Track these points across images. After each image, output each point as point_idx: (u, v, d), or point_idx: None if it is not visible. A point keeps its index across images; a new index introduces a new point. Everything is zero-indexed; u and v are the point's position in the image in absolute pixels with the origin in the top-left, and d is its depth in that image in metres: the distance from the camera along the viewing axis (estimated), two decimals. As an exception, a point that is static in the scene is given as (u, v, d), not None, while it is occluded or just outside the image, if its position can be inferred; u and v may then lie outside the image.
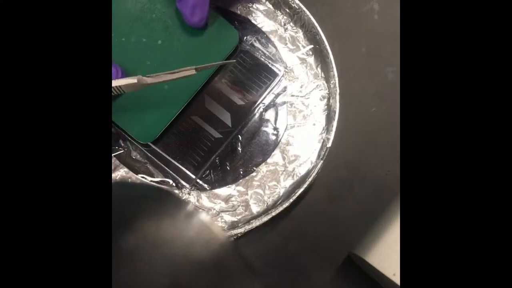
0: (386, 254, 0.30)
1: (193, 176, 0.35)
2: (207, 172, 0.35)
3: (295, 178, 0.36)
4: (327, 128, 0.36)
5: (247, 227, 0.33)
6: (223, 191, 0.35)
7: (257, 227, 0.34)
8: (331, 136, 0.35)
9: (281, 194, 0.35)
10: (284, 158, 0.36)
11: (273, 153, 0.36)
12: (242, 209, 0.35)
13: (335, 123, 0.35)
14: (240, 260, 0.17)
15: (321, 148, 0.36)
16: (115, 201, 0.16)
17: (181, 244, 0.16)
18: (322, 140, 0.36)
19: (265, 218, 0.33)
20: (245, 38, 0.38)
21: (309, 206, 0.37)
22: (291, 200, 0.33)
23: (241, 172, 0.36)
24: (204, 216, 0.17)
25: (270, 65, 0.37)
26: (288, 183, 0.36)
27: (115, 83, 0.31)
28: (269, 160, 0.36)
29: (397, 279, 0.29)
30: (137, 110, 0.35)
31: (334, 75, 0.36)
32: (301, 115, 0.37)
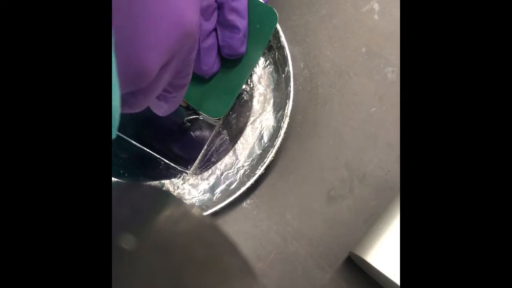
0: (386, 254, 0.30)
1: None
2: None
3: (263, 144, 0.38)
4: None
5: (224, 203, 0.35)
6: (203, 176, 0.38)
7: (256, 226, 0.34)
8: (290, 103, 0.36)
9: (255, 162, 0.37)
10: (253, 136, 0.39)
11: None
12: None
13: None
14: (240, 260, 0.16)
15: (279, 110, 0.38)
16: (115, 201, 0.16)
17: (181, 244, 0.16)
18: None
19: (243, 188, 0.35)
20: None
21: (309, 206, 0.37)
22: (266, 164, 0.35)
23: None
24: (203, 215, 0.17)
25: None
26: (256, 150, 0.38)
27: None
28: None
29: (397, 279, 0.29)
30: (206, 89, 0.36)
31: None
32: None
